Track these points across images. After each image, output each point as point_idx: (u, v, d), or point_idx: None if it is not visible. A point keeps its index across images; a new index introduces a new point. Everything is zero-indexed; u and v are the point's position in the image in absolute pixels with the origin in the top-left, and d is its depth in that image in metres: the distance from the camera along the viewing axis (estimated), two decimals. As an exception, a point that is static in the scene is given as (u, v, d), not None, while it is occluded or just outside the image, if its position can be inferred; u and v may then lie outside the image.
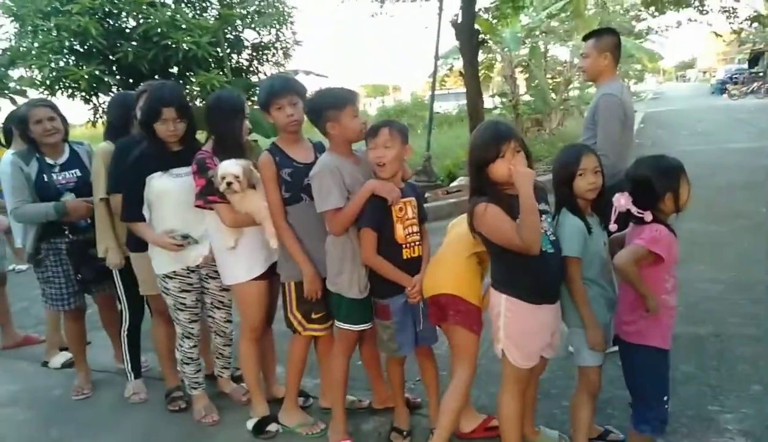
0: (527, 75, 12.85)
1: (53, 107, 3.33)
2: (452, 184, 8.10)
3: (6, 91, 9.03)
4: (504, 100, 13.01)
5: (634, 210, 2.08)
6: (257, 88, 7.95)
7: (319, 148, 2.76)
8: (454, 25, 8.16)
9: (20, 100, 9.31)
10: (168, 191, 2.78)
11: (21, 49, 7.15)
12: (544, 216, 2.15)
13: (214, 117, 2.76)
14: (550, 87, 13.27)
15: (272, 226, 2.64)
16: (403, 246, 2.45)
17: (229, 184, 2.56)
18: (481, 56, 10.15)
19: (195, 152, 2.73)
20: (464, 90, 9.16)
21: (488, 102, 13.16)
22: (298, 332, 2.73)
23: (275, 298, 2.91)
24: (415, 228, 2.51)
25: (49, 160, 3.29)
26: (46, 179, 3.24)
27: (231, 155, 2.66)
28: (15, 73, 8.17)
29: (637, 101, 27.20)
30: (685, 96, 34.19)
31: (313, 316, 2.69)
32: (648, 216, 2.07)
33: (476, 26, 8.27)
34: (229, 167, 2.57)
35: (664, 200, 2.07)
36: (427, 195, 7.27)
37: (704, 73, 70.10)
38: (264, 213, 2.64)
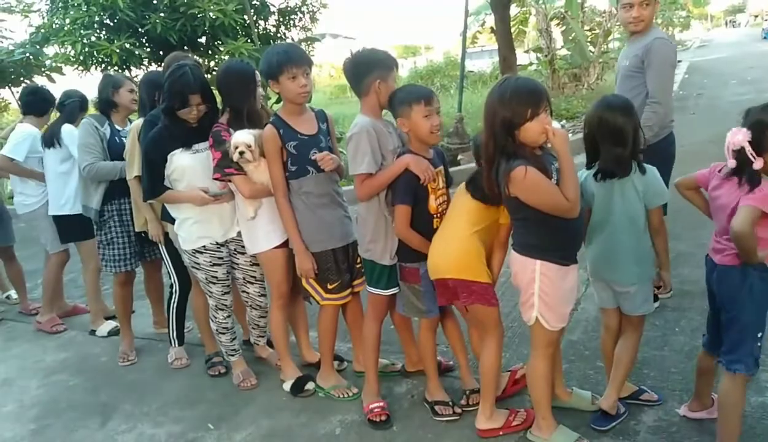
0: (563, 28, 12.35)
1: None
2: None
3: (43, 68, 9.26)
4: (539, 55, 12.59)
5: (748, 150, 1.87)
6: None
7: (320, 117, 2.72)
8: (485, -21, 7.88)
9: (57, 77, 9.57)
10: (189, 167, 2.81)
11: (53, 25, 7.27)
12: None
13: (226, 88, 2.76)
14: (588, 40, 12.73)
15: None
16: (435, 216, 2.44)
17: (241, 153, 2.57)
18: (514, 10, 9.83)
19: (212, 126, 2.74)
20: (497, 47, 8.90)
21: (523, 58, 12.77)
22: (317, 302, 2.77)
23: None
24: (445, 197, 2.50)
25: (117, 127, 3.51)
26: (118, 141, 3.45)
27: (246, 126, 2.66)
28: (49, 50, 8.35)
29: (683, 50, 25.96)
30: (735, 43, 32.37)
31: (329, 286, 2.72)
32: (759, 163, 1.86)
33: (508, -21, 7.98)
34: (241, 137, 2.58)
35: None
36: (459, 157, 7.17)
37: (756, 16, 66.14)
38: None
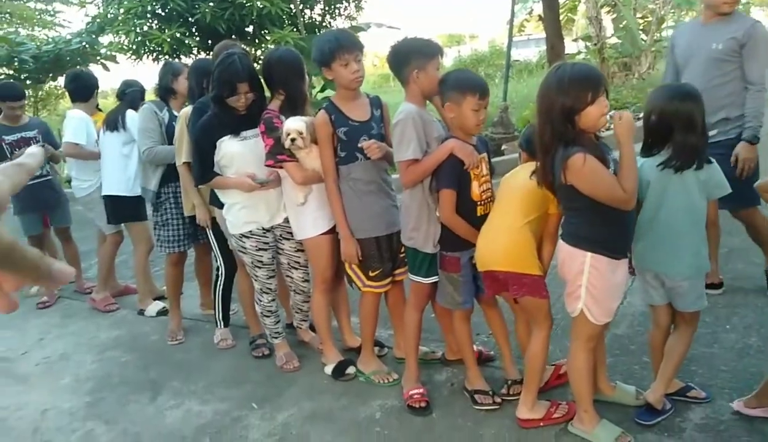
0: (614, 16, 11.97)
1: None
2: (530, 135, 7.82)
3: (98, 57, 9.60)
4: (588, 44, 12.25)
5: None
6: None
7: (374, 103, 2.73)
8: (533, -34, 7.73)
9: (111, 66, 9.91)
10: (238, 154, 2.87)
11: (108, 15, 7.52)
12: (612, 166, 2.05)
13: (279, 75, 2.79)
14: (640, 27, 12.31)
15: None
16: (478, 203, 2.43)
17: (293, 140, 2.60)
18: (562, -2, 9.59)
19: (260, 113, 2.78)
20: (544, 35, 8.72)
21: (571, 47, 12.44)
22: (358, 288, 2.80)
23: None
24: (489, 184, 2.49)
25: (175, 113, 3.59)
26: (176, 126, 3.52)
27: (299, 112, 2.70)
28: (104, 39, 8.66)
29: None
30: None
31: (370, 273, 2.75)
32: None
33: (557, -35, 7.79)
34: (293, 124, 2.62)
35: None
36: (504, 147, 7.08)
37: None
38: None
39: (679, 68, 3.23)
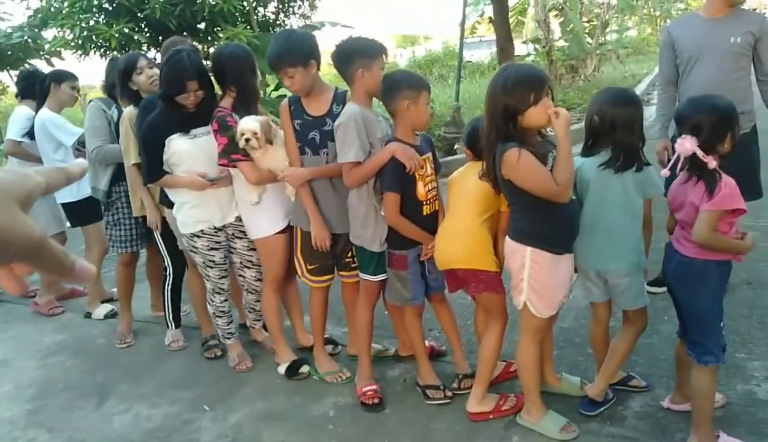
0: (562, 19, 12.33)
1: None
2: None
3: (41, 52, 9.22)
4: (537, 46, 12.57)
5: (699, 154, 1.94)
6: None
7: (338, 99, 2.73)
8: (484, -31, 7.87)
9: (55, 62, 9.53)
10: (187, 152, 2.83)
11: (52, 9, 7.23)
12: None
13: (233, 72, 2.76)
14: (586, 31, 12.72)
15: None
16: (424, 203, 2.47)
17: (247, 140, 2.59)
18: (512, 1, 9.80)
19: (211, 111, 2.75)
20: (495, 37, 8.89)
21: (521, 49, 12.76)
22: (298, 276, 2.86)
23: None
24: (434, 184, 2.53)
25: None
26: None
27: (252, 110, 2.68)
28: (48, 34, 8.32)
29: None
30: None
31: (308, 266, 2.79)
32: (712, 162, 1.94)
33: (507, -31, 7.97)
34: (248, 124, 2.61)
35: (724, 143, 1.99)
36: (456, 146, 7.20)
37: (754, 10, 65.73)
38: (284, 168, 2.68)
39: (685, 64, 3.12)
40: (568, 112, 2.09)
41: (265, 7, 8.19)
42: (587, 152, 2.31)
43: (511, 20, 9.35)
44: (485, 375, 2.46)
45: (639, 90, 10.62)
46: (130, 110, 3.19)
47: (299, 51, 2.54)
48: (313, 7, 8.40)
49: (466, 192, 2.42)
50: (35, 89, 4.01)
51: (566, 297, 2.36)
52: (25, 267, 0.43)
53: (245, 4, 7.13)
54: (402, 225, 2.45)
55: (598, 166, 2.22)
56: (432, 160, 2.54)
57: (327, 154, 2.63)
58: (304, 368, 2.96)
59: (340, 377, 2.89)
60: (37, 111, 3.90)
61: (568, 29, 11.94)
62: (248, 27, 7.09)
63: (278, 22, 8.44)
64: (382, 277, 2.63)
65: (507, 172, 2.07)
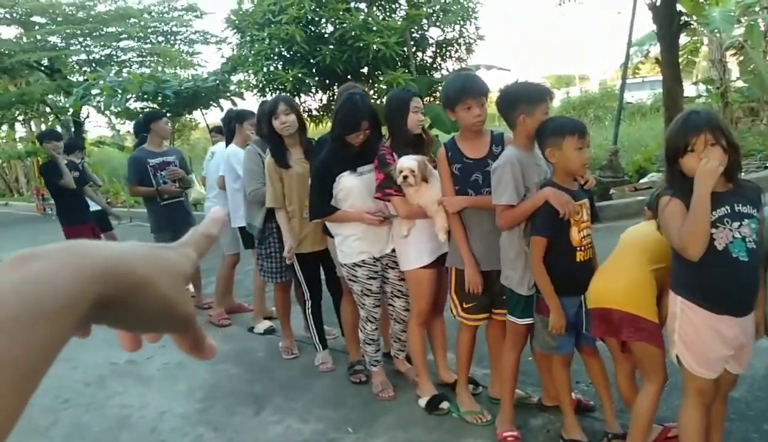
0: (741, 58, 11.26)
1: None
2: (642, 181, 7.51)
3: (227, 94, 10.51)
4: (710, 87, 11.58)
5: None
6: (439, 84, 8.19)
7: (496, 141, 2.79)
8: (652, 8, 7.51)
9: (238, 101, 10.81)
10: (354, 188, 3.04)
11: (240, 57, 8.27)
12: (746, 220, 1.95)
13: (387, 115, 2.99)
14: (771, 71, 11.47)
15: (442, 219, 2.79)
16: (578, 249, 2.42)
17: (405, 177, 2.75)
18: (683, 40, 9.19)
19: (375, 150, 2.96)
20: (659, 78, 8.39)
21: (690, 90, 11.83)
22: (453, 316, 2.88)
23: (445, 287, 3.03)
24: (589, 231, 2.47)
25: None
26: None
27: (403, 149, 2.85)
28: (234, 78, 9.51)
29: None
30: None
31: (465, 305, 2.80)
32: None
33: (678, 7, 7.52)
34: (406, 162, 2.77)
35: None
36: (612, 191, 6.86)
37: None
38: (434, 207, 2.79)
39: None
40: (717, 165, 1.90)
41: (423, 51, 8.59)
42: None
43: (680, 60, 8.77)
44: (638, 437, 2.30)
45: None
46: (269, 159, 3.50)
47: (485, 85, 2.71)
48: (469, 50, 8.62)
49: (637, 239, 2.32)
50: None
51: (739, 366, 2.12)
52: (156, 336, 0.47)
53: (405, 49, 7.54)
54: (540, 274, 2.40)
55: None
56: (588, 207, 2.49)
57: (490, 194, 2.67)
58: (445, 405, 2.99)
59: (481, 418, 2.86)
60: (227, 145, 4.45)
61: (749, 69, 10.86)
62: (407, 71, 7.49)
63: (435, 66, 8.79)
64: (528, 321, 2.60)
65: (658, 217, 2.03)
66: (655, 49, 9.46)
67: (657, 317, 2.23)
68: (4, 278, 0.33)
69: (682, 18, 7.63)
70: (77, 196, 5.50)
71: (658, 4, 7.43)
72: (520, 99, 2.51)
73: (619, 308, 2.25)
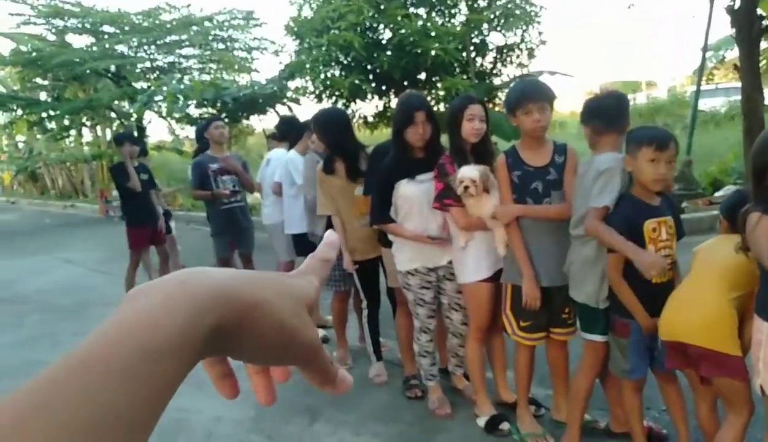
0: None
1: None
2: (716, 194, 7.08)
3: (284, 100, 10.68)
4: (791, 95, 10.85)
5: None
6: (499, 90, 8.01)
7: (559, 150, 2.67)
8: (730, 12, 7.08)
9: (294, 107, 10.95)
10: (413, 197, 2.97)
11: (298, 63, 8.36)
12: None
13: (446, 122, 2.90)
14: None
15: (502, 232, 2.68)
16: None
17: (466, 187, 2.65)
18: (763, 45, 8.64)
19: (437, 159, 2.87)
20: (734, 85, 7.93)
21: (769, 98, 11.13)
22: (508, 334, 2.77)
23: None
24: (669, 251, 2.28)
25: None
26: None
27: (463, 159, 2.76)
28: (292, 84, 9.64)
29: None
30: None
31: (522, 323, 2.68)
32: None
33: (759, 11, 7.06)
34: (468, 172, 2.67)
35: None
36: (684, 205, 6.50)
37: None
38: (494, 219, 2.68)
39: None
40: None
41: (483, 57, 8.45)
42: None
43: (760, 66, 8.24)
44: None
45: None
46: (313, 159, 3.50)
47: (548, 90, 2.63)
48: (531, 55, 8.42)
49: (715, 263, 2.14)
50: (292, 133, 4.57)
51: None
52: (285, 373, 0.45)
53: (464, 55, 7.42)
54: (621, 287, 2.27)
55: None
56: (671, 226, 2.31)
57: (549, 203, 2.60)
58: (505, 425, 2.85)
59: (544, 441, 2.71)
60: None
61: (836, 74, 10.11)
62: (466, 77, 7.37)
63: (495, 72, 8.63)
64: (602, 339, 2.45)
65: (747, 237, 1.88)
66: (731, 55, 8.95)
67: (740, 349, 2.05)
68: (113, 319, 0.31)
69: (763, 22, 7.16)
70: (144, 198, 5.60)
71: (736, 7, 7.00)
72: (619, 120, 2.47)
73: (697, 343, 2.09)
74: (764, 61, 9.73)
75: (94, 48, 14.65)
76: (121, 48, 14.94)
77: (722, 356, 2.05)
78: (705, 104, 15.52)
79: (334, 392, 0.44)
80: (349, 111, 8.52)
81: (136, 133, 15.20)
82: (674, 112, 16.44)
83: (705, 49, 7.25)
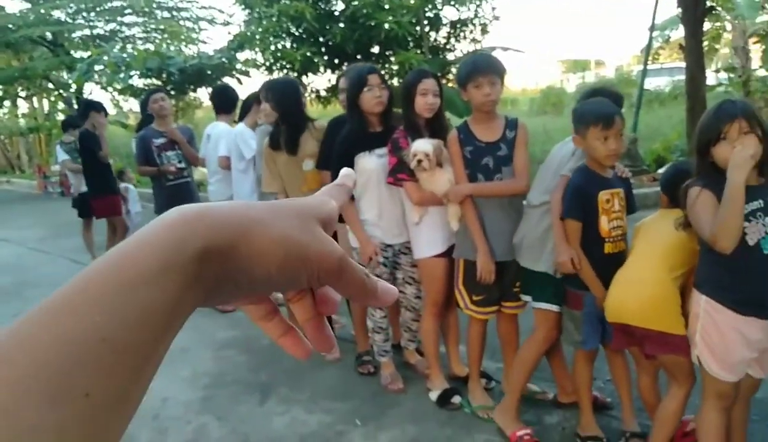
0: (764, 46, 10.95)
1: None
2: (660, 171, 7.32)
3: (233, 72, 10.36)
4: (732, 75, 11.30)
5: None
6: (452, 65, 7.98)
7: (510, 125, 2.67)
8: (676, -9, 7.25)
9: (244, 80, 10.63)
10: (371, 169, 2.92)
11: (248, 34, 8.09)
12: None
13: (399, 97, 2.86)
14: (794, 59, 11.15)
15: (455, 206, 2.67)
16: (606, 240, 2.30)
17: (419, 161, 2.62)
18: (706, 26, 8.92)
19: (393, 132, 2.83)
20: (678, 65, 8.17)
21: (710, 78, 11.57)
22: (460, 309, 2.79)
23: None
24: (621, 222, 2.34)
25: None
26: None
27: (417, 133, 2.73)
28: (241, 56, 9.35)
29: None
30: None
31: (474, 297, 2.70)
32: None
33: (704, -9, 7.26)
34: (420, 146, 2.65)
35: None
36: (631, 181, 6.68)
37: None
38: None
39: None
40: (752, 152, 1.81)
41: (437, 31, 8.39)
42: None
43: (704, 45, 8.50)
44: (661, 439, 2.19)
45: None
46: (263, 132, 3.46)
47: (498, 65, 2.63)
48: (484, 31, 8.41)
49: (657, 241, 2.19)
50: (228, 104, 4.47)
51: (762, 370, 2.03)
52: (330, 305, 0.41)
53: (418, 28, 7.34)
54: (581, 261, 2.29)
55: None
56: (623, 198, 2.35)
57: (501, 179, 2.60)
58: (456, 399, 2.88)
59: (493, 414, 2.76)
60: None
61: (772, 57, 10.57)
62: (420, 51, 7.30)
63: (448, 47, 8.59)
64: (556, 308, 2.49)
65: (687, 210, 1.94)
66: (676, 35, 9.20)
67: (683, 327, 2.11)
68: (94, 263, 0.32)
69: (707, 3, 7.37)
70: (107, 168, 5.71)
71: (682, -14, 7.17)
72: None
73: (641, 324, 2.15)
74: (705, 43, 10.07)
75: (30, 14, 13.79)
76: (57, 14, 14.12)
77: (666, 336, 2.11)
78: (650, 83, 15.97)
79: (378, 303, 0.41)
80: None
81: (75, 106, 14.53)
82: (621, 91, 16.86)
83: (652, 28, 7.41)
